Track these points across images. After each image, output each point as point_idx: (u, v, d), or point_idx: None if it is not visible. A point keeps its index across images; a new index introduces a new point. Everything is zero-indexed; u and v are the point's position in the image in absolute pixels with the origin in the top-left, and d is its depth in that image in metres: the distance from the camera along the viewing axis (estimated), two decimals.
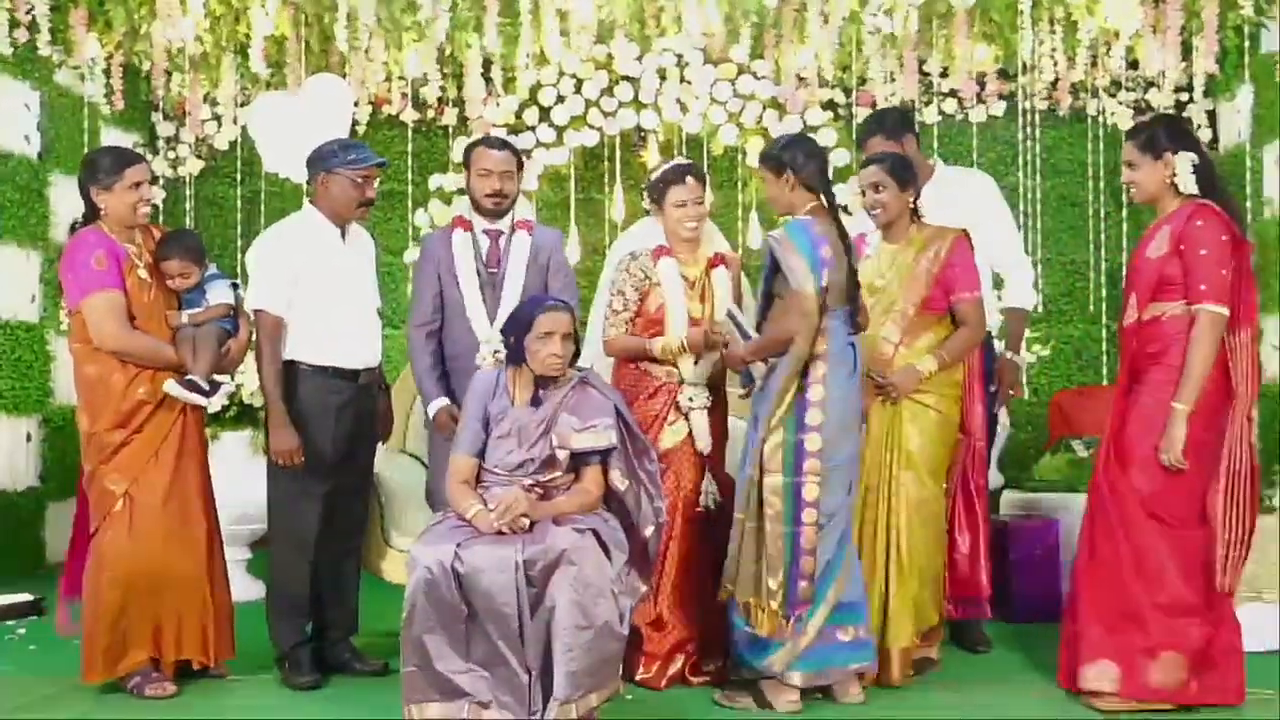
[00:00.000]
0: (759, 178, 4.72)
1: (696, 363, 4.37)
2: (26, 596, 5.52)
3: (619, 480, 3.87)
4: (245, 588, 5.65)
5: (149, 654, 4.20)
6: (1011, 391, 5.03)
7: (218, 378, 4.31)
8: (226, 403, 5.53)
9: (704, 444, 4.38)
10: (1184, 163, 3.96)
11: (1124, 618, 3.96)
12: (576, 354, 3.96)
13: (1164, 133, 4.03)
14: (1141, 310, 4.00)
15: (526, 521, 3.71)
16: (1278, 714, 3.95)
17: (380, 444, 4.73)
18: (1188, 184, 3.96)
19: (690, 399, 4.37)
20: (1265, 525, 4.76)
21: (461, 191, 5.76)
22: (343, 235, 4.46)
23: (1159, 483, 3.93)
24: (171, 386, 4.17)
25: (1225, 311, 3.89)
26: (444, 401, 4.46)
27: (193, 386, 4.19)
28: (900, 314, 4.33)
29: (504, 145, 4.60)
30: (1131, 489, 3.97)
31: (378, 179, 4.50)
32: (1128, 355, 4.07)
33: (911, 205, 4.42)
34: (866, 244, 4.51)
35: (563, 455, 3.82)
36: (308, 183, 4.49)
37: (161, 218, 7.40)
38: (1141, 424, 3.96)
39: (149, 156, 7.48)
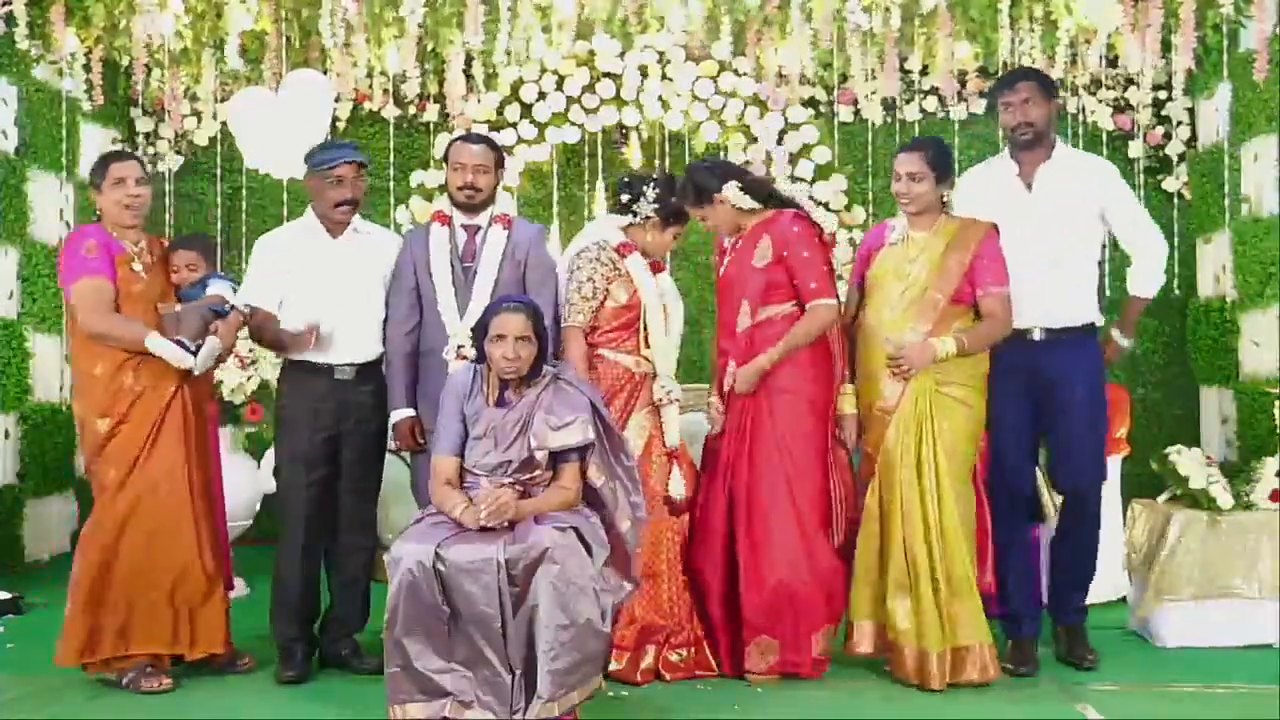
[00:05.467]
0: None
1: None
2: (5, 595, 5.49)
3: (595, 476, 3.87)
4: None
5: (131, 647, 4.20)
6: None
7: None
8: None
9: (673, 438, 4.40)
10: (731, 190, 4.41)
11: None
12: (543, 353, 3.93)
13: (699, 182, 4.46)
14: (755, 315, 4.33)
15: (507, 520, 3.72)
16: (1278, 713, 3.96)
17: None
18: (747, 202, 4.41)
19: (666, 389, 4.40)
20: (1247, 522, 4.81)
21: (444, 188, 5.75)
22: (336, 234, 4.51)
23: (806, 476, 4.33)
24: (153, 341, 4.17)
25: (835, 303, 4.36)
26: (409, 413, 4.46)
27: (177, 343, 4.21)
28: (931, 304, 4.26)
29: (480, 140, 4.62)
30: (781, 483, 4.29)
31: (357, 177, 4.50)
32: (741, 360, 4.33)
33: (944, 197, 4.37)
34: (889, 230, 4.48)
35: (541, 455, 3.83)
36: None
37: None
38: (785, 436, 4.30)
39: None
